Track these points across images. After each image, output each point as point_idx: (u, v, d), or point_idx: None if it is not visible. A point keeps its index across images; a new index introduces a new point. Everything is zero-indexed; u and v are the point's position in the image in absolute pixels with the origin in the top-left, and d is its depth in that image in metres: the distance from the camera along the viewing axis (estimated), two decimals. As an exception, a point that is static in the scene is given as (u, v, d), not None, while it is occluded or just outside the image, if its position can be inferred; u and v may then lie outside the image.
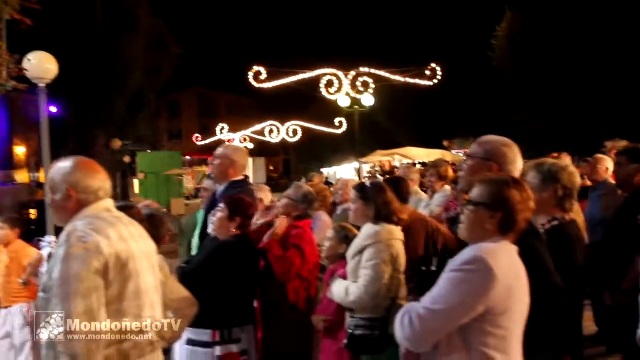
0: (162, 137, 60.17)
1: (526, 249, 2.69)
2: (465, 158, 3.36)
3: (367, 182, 4.48)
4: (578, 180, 3.84)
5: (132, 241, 2.73)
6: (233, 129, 43.64)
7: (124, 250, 2.66)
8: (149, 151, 43.38)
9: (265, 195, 6.29)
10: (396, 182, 5.09)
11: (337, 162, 41.61)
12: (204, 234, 5.00)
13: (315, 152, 51.87)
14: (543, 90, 27.27)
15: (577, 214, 4.99)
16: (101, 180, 2.81)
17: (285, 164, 72.66)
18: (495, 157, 3.17)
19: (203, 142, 44.51)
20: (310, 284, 4.76)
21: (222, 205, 4.39)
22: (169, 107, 72.76)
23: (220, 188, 5.20)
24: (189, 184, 38.92)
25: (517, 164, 3.23)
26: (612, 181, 6.47)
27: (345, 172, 30.54)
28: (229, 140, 46.41)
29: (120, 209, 2.95)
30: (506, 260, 2.53)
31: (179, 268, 4.13)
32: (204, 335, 4.11)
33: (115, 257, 2.61)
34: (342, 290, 4.11)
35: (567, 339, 3.16)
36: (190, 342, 4.14)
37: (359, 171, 27.33)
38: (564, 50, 26.16)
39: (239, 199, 4.45)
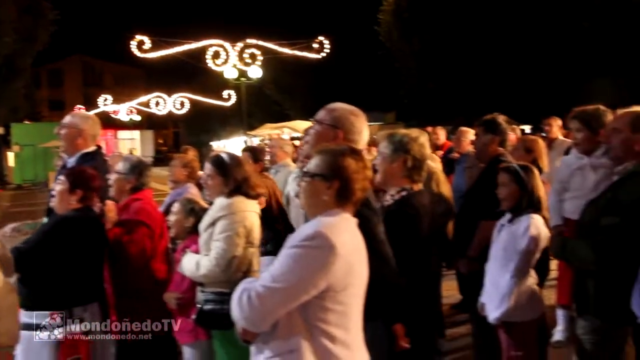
0: (41, 107, 57.22)
1: (358, 218, 2.64)
2: (312, 123, 3.28)
3: (224, 155, 4.23)
4: (428, 152, 3.87)
5: None
6: (119, 100, 42.14)
7: None
8: (26, 122, 41.12)
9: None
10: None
11: (227, 135, 41.15)
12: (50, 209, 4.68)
13: (205, 125, 51.10)
14: (428, 64, 28.01)
15: (443, 184, 5.07)
16: None
17: (175, 137, 71.16)
18: (342, 125, 3.12)
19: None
20: (157, 260, 4.53)
21: (61, 177, 4.10)
22: (50, 76, 69.15)
23: (70, 160, 4.87)
24: (68, 156, 37.12)
25: (363, 134, 3.20)
26: (477, 152, 6.69)
27: (234, 146, 30.16)
28: (114, 112, 44.92)
29: None
30: (347, 235, 2.45)
31: (13, 249, 3.76)
32: (42, 317, 3.81)
33: None
34: (192, 264, 3.94)
35: (397, 307, 3.16)
36: (27, 327, 3.77)
37: (247, 144, 27.09)
38: (449, 27, 26.94)
39: (80, 170, 4.17)
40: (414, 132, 3.93)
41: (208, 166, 4.12)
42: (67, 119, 4.91)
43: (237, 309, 2.40)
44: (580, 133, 4.09)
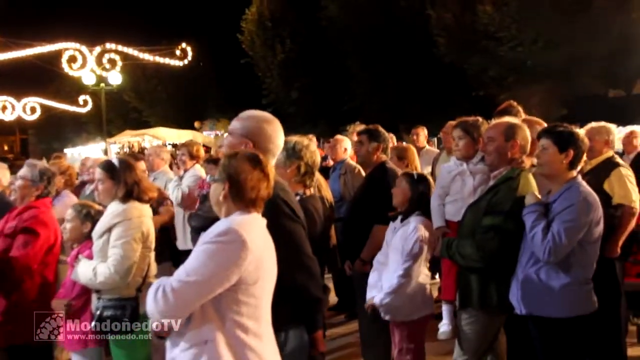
0: None
1: (285, 230, 2.85)
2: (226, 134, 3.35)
3: (115, 160, 4.22)
4: (318, 159, 4.08)
5: None
6: (-44, 104, 38.87)
7: None
8: None
9: (3, 174, 5.69)
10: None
11: (83, 142, 39.31)
12: None
13: (57, 131, 48.42)
14: (291, 73, 28.48)
15: (326, 190, 5.30)
16: None
17: (23, 143, 66.63)
18: (252, 135, 3.13)
19: None
20: (47, 267, 4.41)
21: None
22: None
23: None
24: None
25: (277, 141, 3.21)
26: (351, 161, 7.01)
27: (91, 153, 28.88)
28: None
29: None
30: (256, 232, 2.62)
31: None
32: None
33: None
34: (89, 271, 3.89)
35: (320, 316, 3.30)
36: None
37: (106, 152, 26.08)
38: (312, 35, 27.56)
39: None
40: (305, 139, 4.12)
41: (99, 171, 4.11)
42: None
43: (152, 304, 2.49)
44: (461, 140, 4.45)
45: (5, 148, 62.18)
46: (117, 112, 38.70)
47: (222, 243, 2.51)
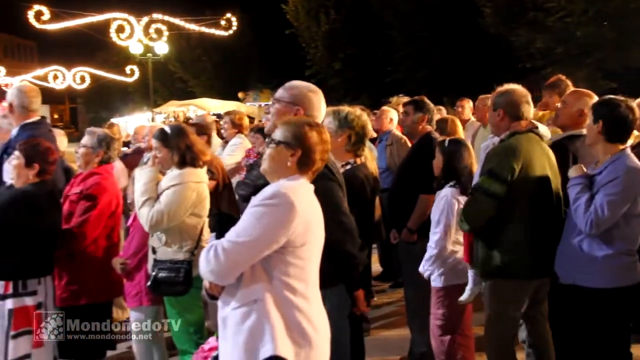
0: None
1: (323, 189, 2.91)
2: (271, 102, 3.47)
3: (167, 127, 4.36)
4: (369, 129, 4.17)
5: None
6: (11, 73, 39.86)
7: None
8: None
9: (60, 140, 5.93)
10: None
11: (129, 112, 39.98)
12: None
13: (105, 100, 49.33)
14: (335, 45, 28.40)
15: (371, 162, 5.38)
16: None
17: (72, 112, 68.09)
18: (300, 102, 3.31)
19: (-25, 86, 40.14)
20: (110, 231, 4.62)
21: (16, 152, 4.12)
22: None
23: (13, 131, 4.89)
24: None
25: (321, 110, 3.40)
26: (397, 131, 7.06)
27: (137, 122, 29.40)
28: (6, 85, 42.50)
29: None
30: (305, 197, 2.72)
31: None
32: (-5, 286, 3.88)
33: None
34: (145, 212, 4.05)
35: (359, 275, 3.45)
36: (-20, 295, 3.88)
37: (152, 121, 26.52)
38: (356, 7, 27.39)
39: (34, 144, 4.19)
40: (357, 109, 4.21)
41: (154, 140, 4.28)
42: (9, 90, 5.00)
43: (204, 264, 2.64)
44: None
45: (56, 116, 63.45)
46: (163, 82, 39.22)
47: (271, 206, 2.61)
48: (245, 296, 2.65)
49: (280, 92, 3.39)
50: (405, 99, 7.12)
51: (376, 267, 7.35)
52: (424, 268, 4.34)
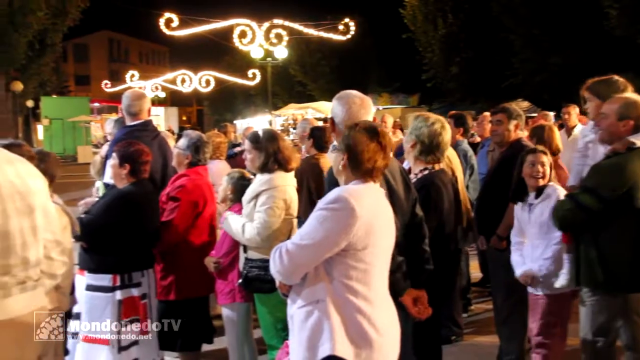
0: (68, 82, 57.78)
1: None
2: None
3: (260, 131, 4.53)
4: (443, 138, 4.09)
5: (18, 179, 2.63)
6: (144, 77, 42.42)
7: None
8: (54, 96, 41.62)
9: (170, 143, 6.24)
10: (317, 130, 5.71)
11: (251, 114, 41.43)
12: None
13: (229, 103, 51.37)
14: (451, 49, 28.05)
15: (451, 162, 5.28)
16: None
17: (199, 114, 71.45)
18: (331, 111, 3.49)
19: (112, 89, 43.07)
20: (198, 230, 4.76)
21: (113, 153, 4.45)
22: (76, 51, 69.46)
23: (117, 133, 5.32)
24: (96, 131, 37.39)
25: (352, 112, 3.40)
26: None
27: (257, 125, 30.41)
28: (140, 88, 45.29)
29: (6, 147, 2.94)
30: (369, 200, 2.80)
31: (78, 219, 4.13)
32: (104, 280, 4.20)
33: None
34: (239, 225, 4.26)
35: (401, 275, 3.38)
36: (91, 288, 4.22)
37: (270, 124, 27.34)
38: (473, 11, 26.93)
39: (125, 145, 4.45)
40: (432, 117, 4.19)
41: (246, 141, 4.50)
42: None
43: (272, 264, 2.82)
44: (591, 103, 4.27)
45: (184, 118, 66.81)
46: (283, 85, 40.28)
47: (332, 210, 2.73)
48: (309, 296, 2.79)
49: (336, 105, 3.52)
50: (525, 104, 6.98)
51: (477, 273, 7.27)
52: (542, 266, 4.15)
